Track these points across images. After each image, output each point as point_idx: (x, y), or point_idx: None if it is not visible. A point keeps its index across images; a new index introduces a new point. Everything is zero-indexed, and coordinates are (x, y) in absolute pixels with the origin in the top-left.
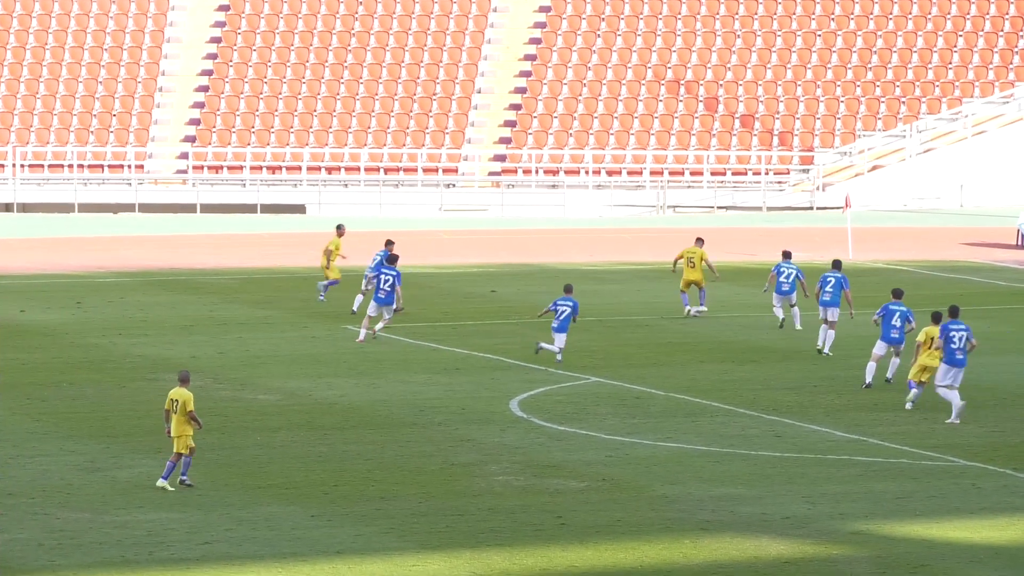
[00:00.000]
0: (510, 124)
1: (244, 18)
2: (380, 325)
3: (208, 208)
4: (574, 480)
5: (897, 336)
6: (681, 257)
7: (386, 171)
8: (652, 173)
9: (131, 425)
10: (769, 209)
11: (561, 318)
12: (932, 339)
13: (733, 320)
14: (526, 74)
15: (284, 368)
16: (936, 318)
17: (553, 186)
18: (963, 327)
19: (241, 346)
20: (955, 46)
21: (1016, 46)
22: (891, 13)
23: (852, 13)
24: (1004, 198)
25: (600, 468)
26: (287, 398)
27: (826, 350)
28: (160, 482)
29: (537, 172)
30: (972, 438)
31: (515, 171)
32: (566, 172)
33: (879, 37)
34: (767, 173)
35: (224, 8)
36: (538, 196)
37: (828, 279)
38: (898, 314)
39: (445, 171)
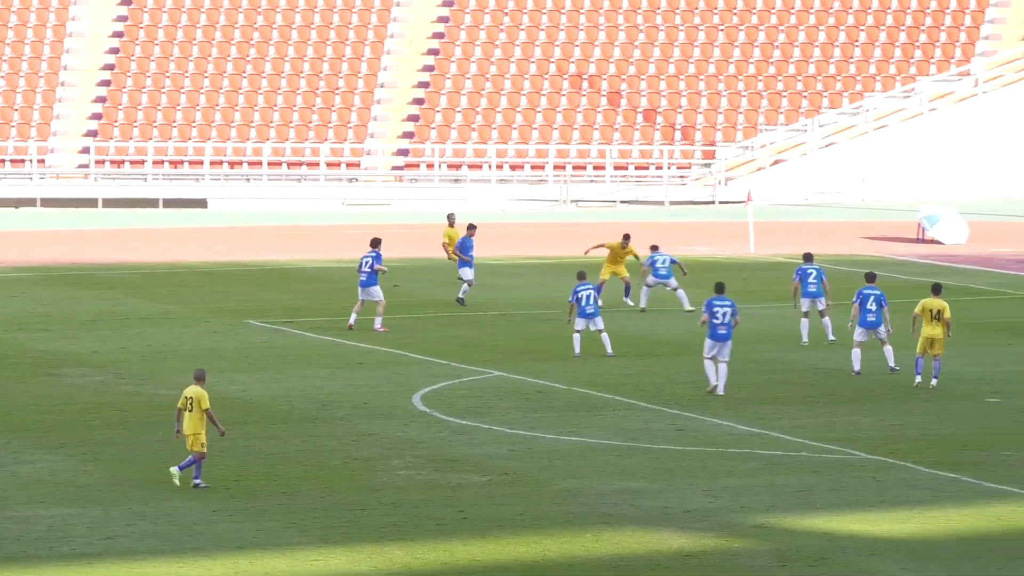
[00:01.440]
0: (413, 119)
1: (146, 12)
2: (378, 323)
3: (110, 203)
4: (476, 474)
5: (874, 319)
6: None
7: (289, 165)
8: (555, 167)
9: (32, 420)
10: (671, 203)
11: (591, 302)
12: (929, 311)
13: (634, 314)
14: (429, 68)
15: (186, 363)
16: (936, 290)
17: (456, 180)
18: (728, 303)
19: (143, 341)
20: (856, 40)
21: (917, 40)
22: (793, 8)
23: (754, 8)
24: (905, 192)
25: (502, 462)
26: None
27: (831, 336)
28: (174, 469)
29: (440, 167)
30: (872, 431)
31: (418, 165)
32: (469, 167)
33: (780, 31)
34: (669, 167)
35: (126, 2)
36: (441, 190)
37: (809, 271)
38: (872, 298)
39: (348, 165)
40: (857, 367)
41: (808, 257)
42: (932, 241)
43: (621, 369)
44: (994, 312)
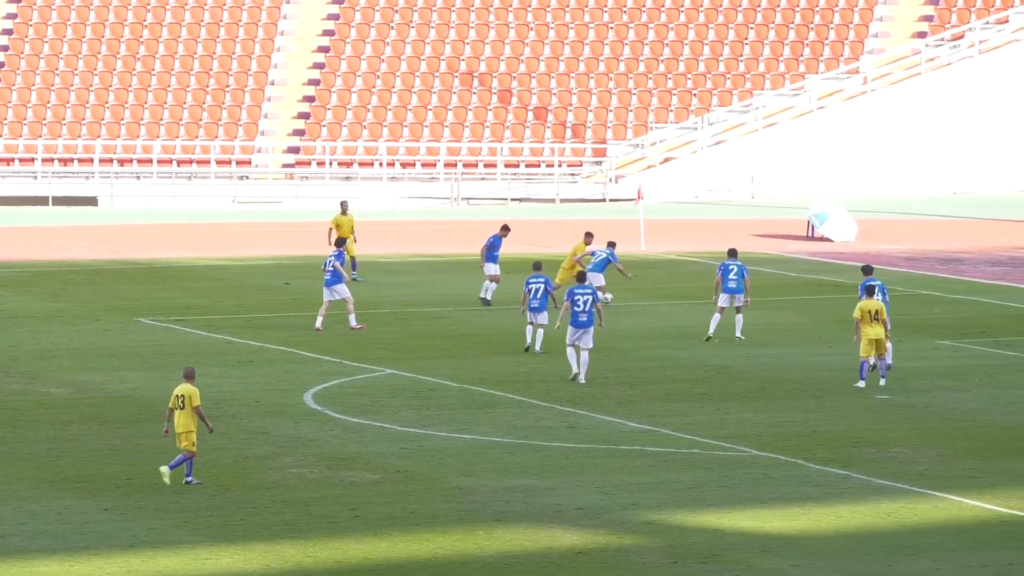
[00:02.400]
0: (304, 116)
1: (36, 10)
2: (352, 320)
3: None
4: (368, 472)
5: (735, 287)
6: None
7: (179, 163)
8: (446, 165)
9: None
10: (562, 201)
11: (539, 296)
12: (868, 312)
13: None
14: (320, 66)
15: (76, 361)
16: (870, 291)
17: (347, 178)
18: (589, 290)
19: (33, 339)
20: (746, 38)
21: (806, 39)
22: (682, 6)
23: (644, 6)
24: (794, 190)
25: (394, 460)
26: (79, 391)
27: (738, 333)
28: (164, 468)
29: (331, 164)
30: (763, 428)
31: (309, 163)
32: (360, 164)
33: (670, 29)
34: (560, 165)
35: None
36: (332, 188)
37: (731, 267)
38: (736, 269)
39: (239, 163)
40: (712, 331)
41: (732, 253)
42: (821, 239)
43: (513, 367)
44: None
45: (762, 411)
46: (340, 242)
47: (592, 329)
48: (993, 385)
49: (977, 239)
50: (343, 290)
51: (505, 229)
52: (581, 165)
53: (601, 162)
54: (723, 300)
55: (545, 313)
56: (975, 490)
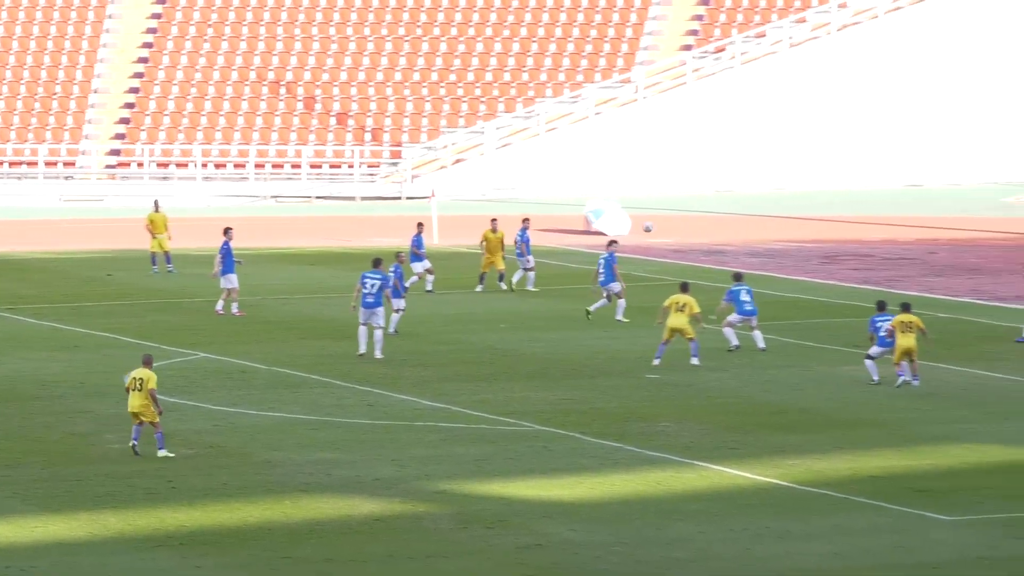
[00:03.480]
0: (124, 121)
1: None
2: (235, 308)
3: None
4: (184, 447)
5: (750, 309)
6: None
7: (10, 164)
8: (255, 166)
9: None
10: (363, 199)
11: (375, 291)
12: (675, 303)
13: (329, 300)
14: (139, 75)
15: None
16: (684, 287)
17: (164, 178)
18: (379, 275)
19: None
20: (529, 51)
21: (584, 51)
22: (471, 21)
23: (436, 21)
24: (573, 188)
25: (208, 436)
26: None
27: (619, 316)
28: (161, 452)
29: (149, 165)
30: (544, 405)
31: (129, 164)
32: (177, 165)
33: (460, 42)
34: (360, 166)
35: None
36: (151, 187)
37: (601, 261)
38: (744, 291)
39: (65, 164)
40: (735, 342)
41: (738, 277)
42: (597, 233)
43: (317, 350)
44: (653, 297)
45: (543, 390)
46: (227, 230)
47: (381, 309)
48: (751, 366)
49: (738, 233)
50: (233, 279)
51: (420, 226)
52: (379, 166)
53: (397, 163)
54: (733, 319)
55: (381, 310)
56: (735, 460)
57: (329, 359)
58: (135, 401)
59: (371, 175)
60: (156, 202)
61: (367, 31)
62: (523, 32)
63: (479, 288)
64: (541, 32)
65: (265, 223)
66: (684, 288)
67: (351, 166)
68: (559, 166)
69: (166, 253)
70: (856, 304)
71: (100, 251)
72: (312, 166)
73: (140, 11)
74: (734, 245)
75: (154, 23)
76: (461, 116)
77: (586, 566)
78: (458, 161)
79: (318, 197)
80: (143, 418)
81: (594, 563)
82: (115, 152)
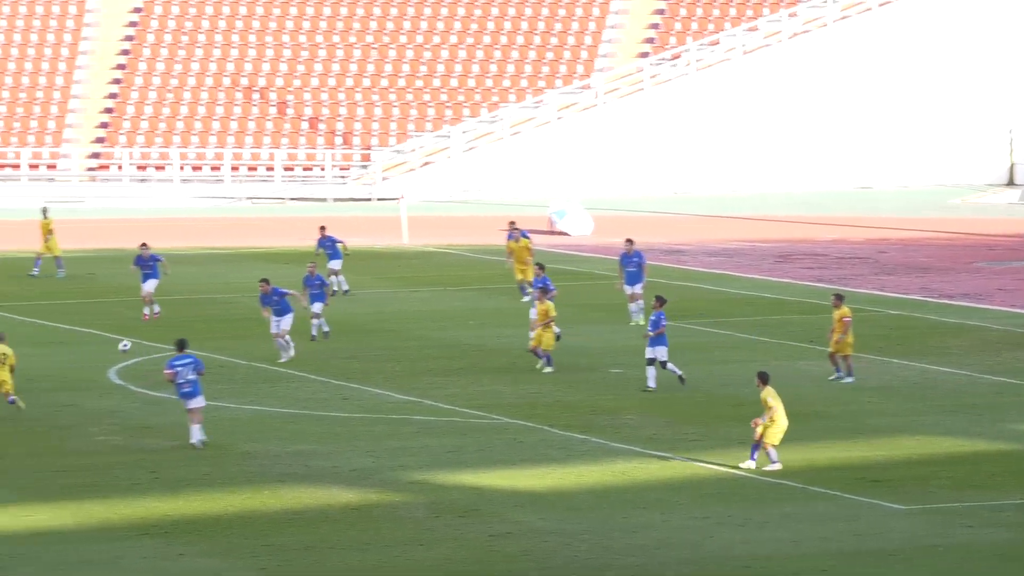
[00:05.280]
0: (104, 125)
1: None
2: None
3: None
4: (166, 439)
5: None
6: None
7: None
8: (232, 169)
9: None
10: (335, 200)
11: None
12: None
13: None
14: (117, 81)
15: None
16: (764, 379)
17: (143, 180)
18: (189, 359)
19: None
20: (492, 58)
21: (545, 58)
22: (436, 29)
23: (402, 29)
24: (537, 190)
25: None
26: None
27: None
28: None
29: (128, 168)
30: (513, 399)
31: (108, 167)
32: (155, 168)
33: (426, 49)
34: (332, 168)
35: None
36: (130, 189)
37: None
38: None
39: (47, 167)
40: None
41: (630, 242)
42: (561, 232)
43: (295, 347)
44: (615, 295)
45: (511, 384)
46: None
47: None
48: (709, 360)
49: (695, 233)
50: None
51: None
52: (350, 168)
53: (367, 166)
54: (627, 289)
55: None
56: (696, 451)
57: (304, 354)
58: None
59: (342, 177)
60: (44, 209)
61: (337, 39)
62: (487, 40)
63: (525, 299)
64: (504, 40)
65: (241, 223)
66: None
67: (323, 168)
68: (523, 168)
69: (57, 257)
70: (810, 301)
71: (82, 250)
72: (286, 168)
73: (118, 19)
74: (692, 244)
75: (132, 31)
76: (428, 121)
77: (555, 552)
78: (426, 164)
79: (292, 198)
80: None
81: (563, 549)
82: (95, 155)
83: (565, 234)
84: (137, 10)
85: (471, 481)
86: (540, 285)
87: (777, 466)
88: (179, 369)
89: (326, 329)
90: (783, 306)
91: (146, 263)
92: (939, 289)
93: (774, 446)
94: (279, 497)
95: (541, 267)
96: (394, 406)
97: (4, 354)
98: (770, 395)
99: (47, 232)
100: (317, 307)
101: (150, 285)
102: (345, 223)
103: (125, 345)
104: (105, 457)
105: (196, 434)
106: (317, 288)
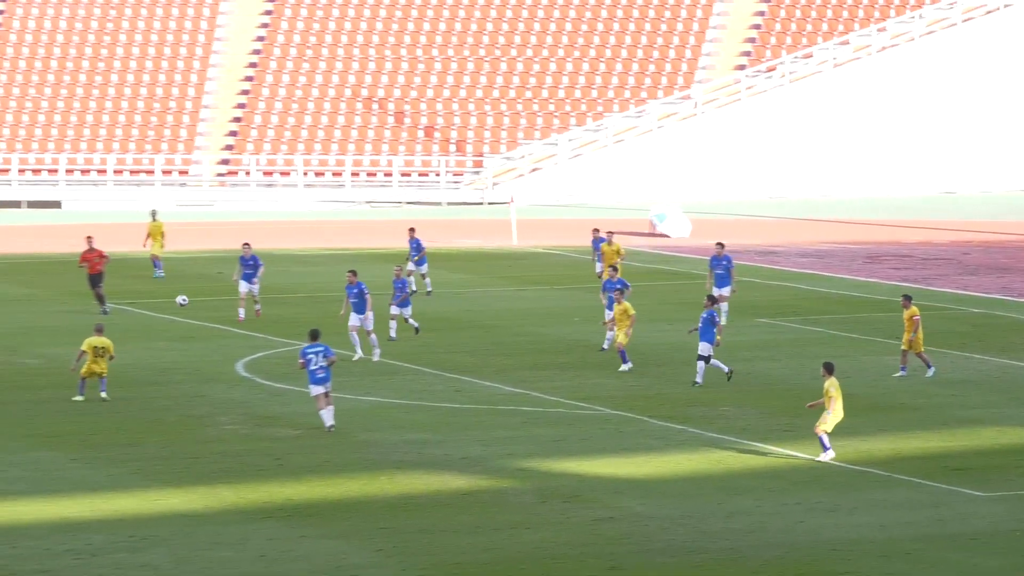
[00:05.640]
0: (233, 133)
1: (14, 33)
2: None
3: None
4: (290, 428)
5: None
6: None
7: (130, 172)
8: (352, 174)
9: None
10: (448, 204)
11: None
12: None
13: (417, 295)
14: (246, 92)
15: (47, 337)
16: (828, 368)
17: (269, 185)
18: (320, 347)
19: (10, 319)
20: (597, 70)
21: (647, 70)
22: (544, 43)
23: (513, 43)
24: (638, 195)
25: (311, 419)
26: (50, 362)
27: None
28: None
29: (256, 173)
30: (615, 391)
31: (237, 172)
32: (280, 173)
33: (536, 62)
34: (445, 174)
35: (2, 12)
36: (257, 193)
37: (719, 261)
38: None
39: (179, 172)
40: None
41: (720, 245)
42: (661, 235)
43: (410, 341)
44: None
45: (614, 377)
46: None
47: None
48: (802, 356)
49: (789, 235)
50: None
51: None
52: (463, 174)
53: (479, 172)
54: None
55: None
56: (788, 441)
57: (420, 349)
58: (100, 365)
59: (455, 183)
60: (154, 212)
61: (451, 52)
62: (592, 53)
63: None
64: (608, 53)
65: (360, 226)
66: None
67: (437, 174)
68: (625, 174)
69: (155, 258)
70: (897, 300)
71: (211, 251)
72: (402, 174)
73: (247, 34)
74: (785, 246)
75: (259, 45)
76: (537, 129)
77: (654, 536)
78: (534, 170)
79: (408, 202)
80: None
81: (662, 533)
82: (225, 161)
83: (665, 236)
84: (264, 25)
85: (575, 468)
86: (619, 286)
87: (830, 454)
88: (311, 357)
89: (416, 324)
90: (871, 304)
91: (247, 262)
92: (1020, 289)
93: (827, 432)
94: (395, 483)
95: (615, 269)
96: (503, 398)
97: (103, 347)
98: (832, 385)
99: (158, 234)
100: (395, 310)
101: (244, 287)
102: (458, 226)
103: (183, 300)
104: (233, 445)
105: (328, 418)
106: (400, 290)
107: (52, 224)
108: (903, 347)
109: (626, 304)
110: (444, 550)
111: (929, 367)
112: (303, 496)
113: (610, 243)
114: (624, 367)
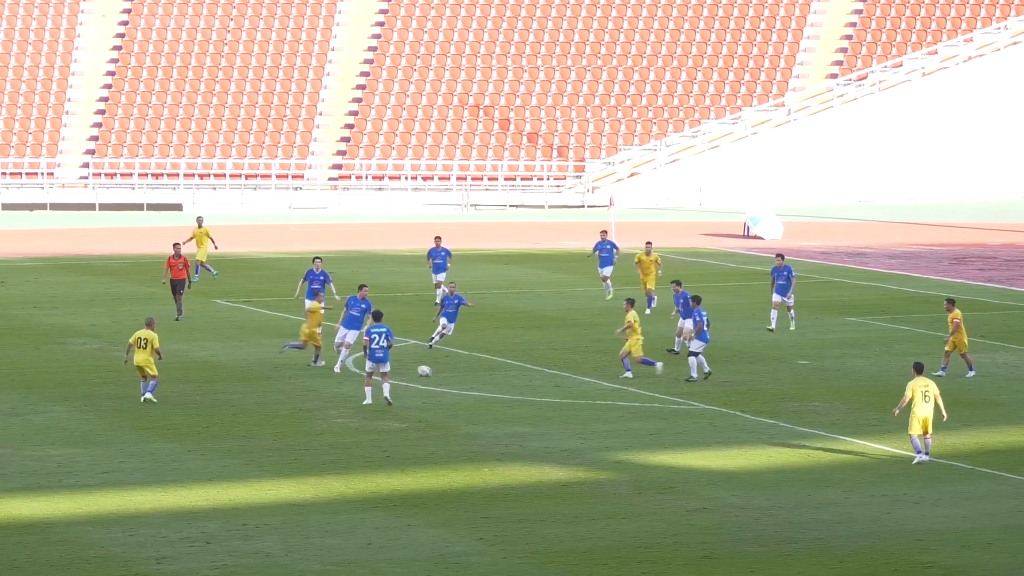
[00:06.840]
0: (345, 140)
1: (136, 43)
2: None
3: (105, 207)
4: (397, 422)
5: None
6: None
7: (246, 177)
8: (458, 178)
9: (44, 379)
10: (550, 207)
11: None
12: (914, 392)
13: (522, 294)
14: (357, 100)
15: (166, 333)
16: (918, 369)
17: (379, 189)
18: (383, 328)
19: (131, 316)
20: (695, 78)
21: (743, 79)
22: (644, 52)
23: (614, 53)
24: (733, 199)
25: (417, 412)
26: (169, 357)
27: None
28: (145, 396)
29: (367, 178)
30: (709, 387)
31: (349, 177)
32: (390, 177)
33: (635, 71)
34: (548, 178)
35: (120, 35)
36: (368, 196)
37: (782, 271)
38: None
39: (293, 177)
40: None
41: (780, 257)
42: (755, 237)
43: (511, 338)
44: (802, 293)
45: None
46: (315, 259)
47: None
48: (890, 353)
49: (878, 237)
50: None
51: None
52: (565, 178)
53: (580, 176)
54: (776, 298)
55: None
56: (876, 436)
57: (522, 345)
58: (139, 357)
59: (557, 187)
60: (199, 218)
61: (555, 62)
62: (690, 62)
63: (648, 311)
64: (705, 62)
65: (466, 228)
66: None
67: (540, 178)
68: (721, 179)
69: (200, 263)
70: (982, 300)
71: (323, 252)
72: (506, 178)
73: (359, 44)
74: (874, 248)
75: (371, 55)
76: (636, 135)
77: (746, 526)
78: (633, 174)
79: (512, 205)
80: (147, 372)
81: (753, 524)
82: (337, 166)
83: (759, 238)
84: (376, 36)
85: (670, 461)
86: (684, 299)
87: (923, 457)
88: (374, 335)
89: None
90: (957, 304)
91: (438, 253)
92: None
93: (918, 436)
94: (496, 474)
95: (678, 283)
96: (601, 393)
97: (147, 339)
98: (919, 385)
99: (203, 240)
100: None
101: (441, 276)
102: (560, 227)
103: (427, 371)
104: (343, 437)
105: (387, 391)
106: (453, 307)
107: (172, 226)
108: (946, 348)
109: (633, 313)
110: (543, 539)
111: (971, 368)
112: (409, 487)
113: (648, 253)
114: (627, 374)
